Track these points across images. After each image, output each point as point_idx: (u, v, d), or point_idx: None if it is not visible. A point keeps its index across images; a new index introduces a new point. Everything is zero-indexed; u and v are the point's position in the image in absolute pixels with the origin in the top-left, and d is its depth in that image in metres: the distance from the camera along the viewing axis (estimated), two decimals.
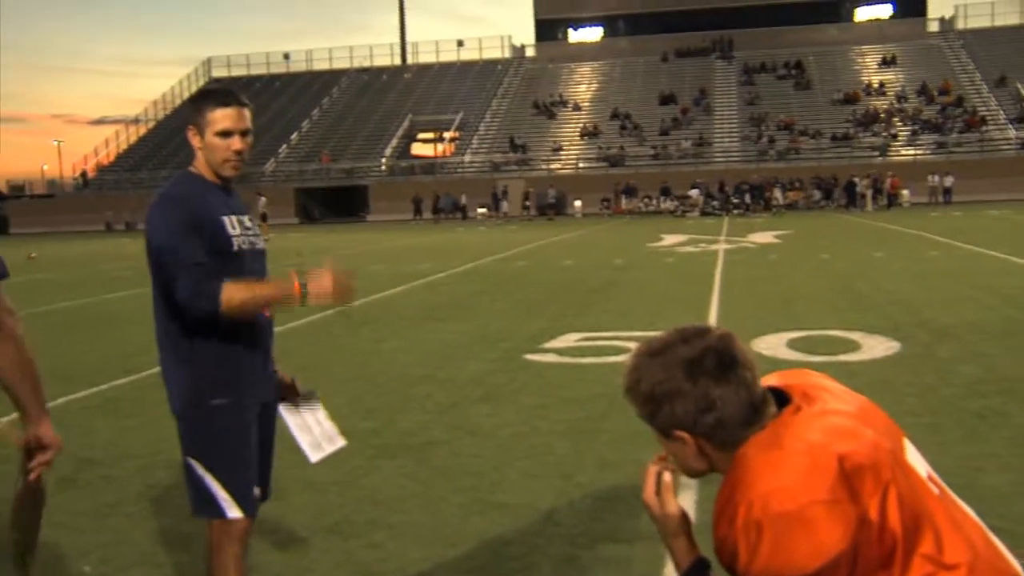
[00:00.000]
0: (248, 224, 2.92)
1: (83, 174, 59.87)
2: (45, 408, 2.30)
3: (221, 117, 2.81)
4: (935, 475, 1.73)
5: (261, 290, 2.78)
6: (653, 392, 1.70)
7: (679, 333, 1.74)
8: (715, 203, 43.13)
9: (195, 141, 2.86)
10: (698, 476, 1.79)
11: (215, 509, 2.80)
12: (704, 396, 1.65)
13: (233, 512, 2.80)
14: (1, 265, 2.30)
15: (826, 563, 1.51)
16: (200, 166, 2.89)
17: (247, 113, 2.86)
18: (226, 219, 2.82)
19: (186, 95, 67.49)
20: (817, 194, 44.59)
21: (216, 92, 2.88)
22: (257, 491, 2.88)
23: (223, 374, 2.80)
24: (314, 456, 3.11)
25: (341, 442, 3.17)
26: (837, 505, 1.51)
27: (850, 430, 1.61)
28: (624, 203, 45.85)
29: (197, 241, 2.71)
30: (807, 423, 1.63)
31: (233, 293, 2.70)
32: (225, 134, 2.81)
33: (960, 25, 60.93)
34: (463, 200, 49.28)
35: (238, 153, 2.83)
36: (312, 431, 3.11)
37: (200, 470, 2.79)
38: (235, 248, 2.81)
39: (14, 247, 32.47)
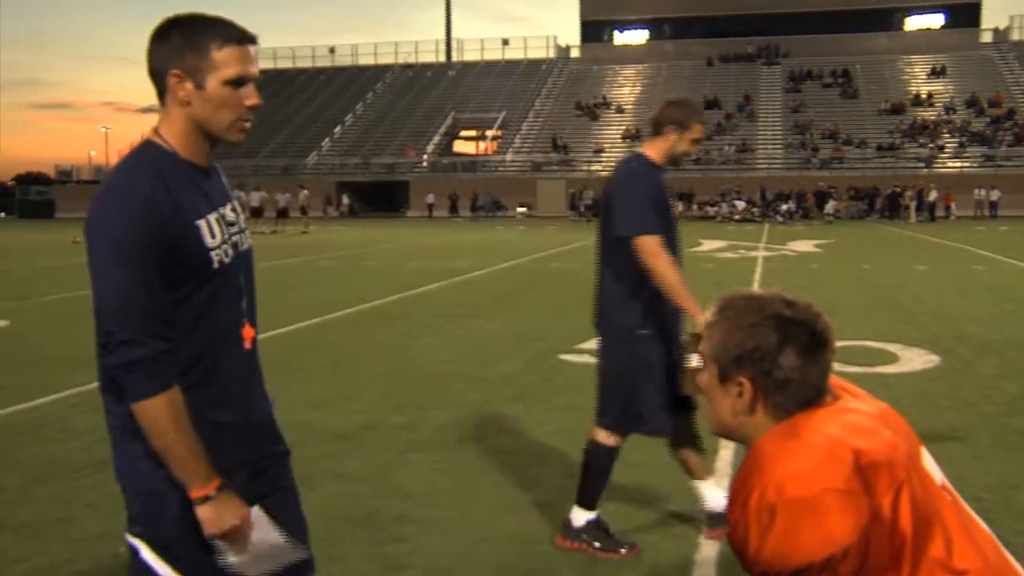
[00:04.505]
0: (232, 218, 2.06)
1: None
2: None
3: (234, 58, 1.93)
4: (949, 485, 1.75)
5: (190, 462, 1.88)
6: (739, 329, 1.69)
7: (782, 296, 1.73)
8: (756, 210, 42.82)
9: (181, 91, 1.93)
10: (724, 433, 1.77)
11: None
12: (785, 355, 1.65)
13: None
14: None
15: (835, 552, 1.51)
16: (172, 133, 1.98)
17: (255, 53, 2.01)
18: (203, 223, 1.96)
19: None
20: (856, 205, 44.11)
21: (220, 21, 1.97)
22: None
23: None
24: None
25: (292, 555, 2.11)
26: (851, 496, 1.51)
27: (869, 428, 1.63)
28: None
29: (150, 271, 1.86)
30: (828, 418, 1.64)
31: (165, 418, 1.85)
32: (238, 82, 1.95)
33: (1015, 36, 59.99)
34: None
35: (252, 110, 1.99)
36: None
37: (145, 554, 1.95)
38: (215, 264, 1.97)
39: (60, 231, 33.02)
